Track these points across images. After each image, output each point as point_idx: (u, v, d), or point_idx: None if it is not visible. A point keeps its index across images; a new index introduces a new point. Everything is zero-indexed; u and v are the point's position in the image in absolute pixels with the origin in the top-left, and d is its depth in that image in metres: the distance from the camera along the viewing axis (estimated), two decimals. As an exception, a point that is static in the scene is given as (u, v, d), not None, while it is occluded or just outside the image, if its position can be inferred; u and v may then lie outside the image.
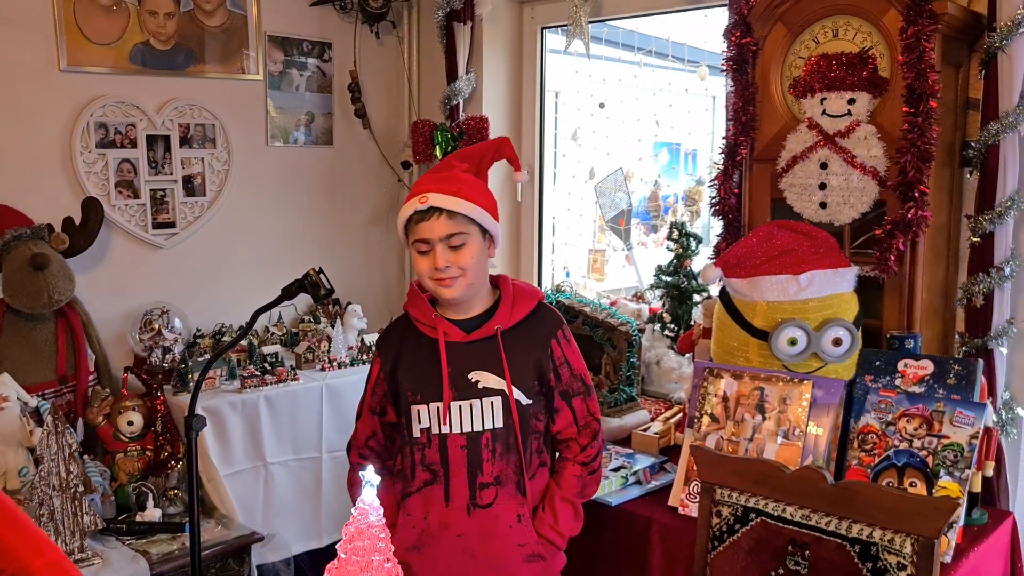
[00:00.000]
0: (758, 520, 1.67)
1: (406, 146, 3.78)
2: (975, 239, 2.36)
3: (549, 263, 3.82)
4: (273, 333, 3.40)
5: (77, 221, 2.95)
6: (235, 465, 2.92)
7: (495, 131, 3.54)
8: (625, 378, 2.83)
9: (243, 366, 3.08)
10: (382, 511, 1.37)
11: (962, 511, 2.02)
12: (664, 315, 3.15)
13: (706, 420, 2.27)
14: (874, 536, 1.53)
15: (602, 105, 3.61)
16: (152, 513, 2.69)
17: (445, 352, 1.90)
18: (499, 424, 1.90)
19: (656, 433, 2.61)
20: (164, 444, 2.80)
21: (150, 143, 3.19)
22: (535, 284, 3.61)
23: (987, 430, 2.14)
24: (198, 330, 3.27)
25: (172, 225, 3.28)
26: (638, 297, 3.43)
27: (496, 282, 2.02)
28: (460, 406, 1.89)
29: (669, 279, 3.16)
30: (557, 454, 2.05)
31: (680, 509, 2.23)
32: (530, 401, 1.93)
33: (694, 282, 3.10)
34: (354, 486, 2.04)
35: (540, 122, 3.67)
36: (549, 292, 3.09)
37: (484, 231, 1.91)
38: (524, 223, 3.71)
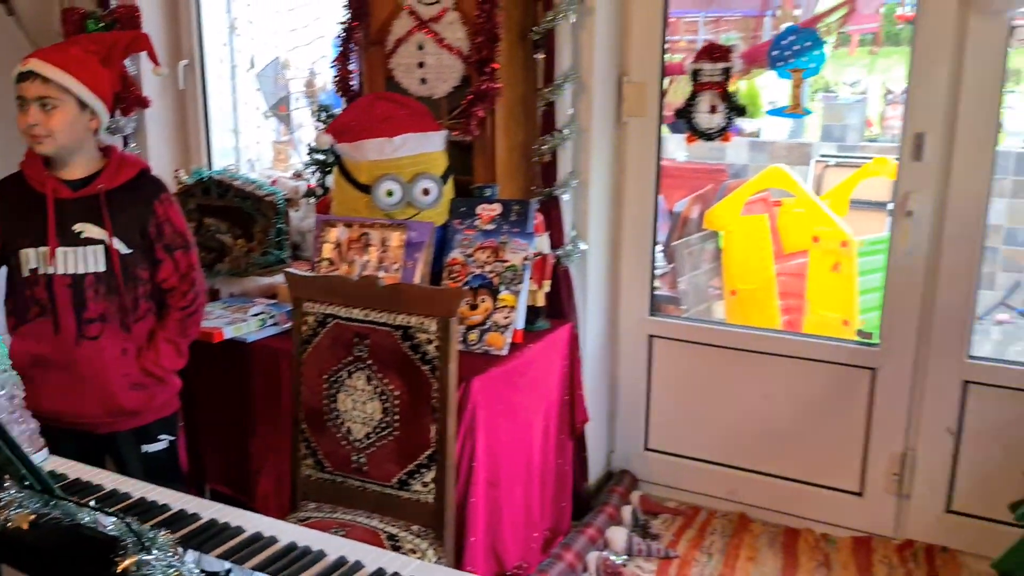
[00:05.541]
0: (333, 323, 2.12)
1: (58, 35, 3.79)
2: (543, 107, 2.92)
3: (227, 151, 4.03)
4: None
5: None
6: None
7: (149, 21, 3.65)
8: (274, 243, 3.18)
9: None
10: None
11: (517, 316, 2.60)
12: (317, 189, 3.52)
13: (324, 264, 2.70)
14: (411, 321, 2.02)
15: (256, -4, 3.83)
16: None
17: (53, 206, 2.17)
18: (101, 269, 2.21)
19: (299, 286, 3.00)
20: None
21: None
22: (206, 169, 3.83)
23: (543, 256, 2.74)
24: None
25: None
26: (297, 175, 3.76)
27: (106, 152, 2.29)
28: (65, 252, 2.18)
29: (320, 156, 3.52)
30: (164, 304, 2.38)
31: (306, 339, 2.66)
32: (131, 251, 2.25)
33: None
34: None
35: (198, 12, 3.82)
36: (202, 169, 3.35)
37: (85, 104, 2.17)
38: (189, 110, 3.89)
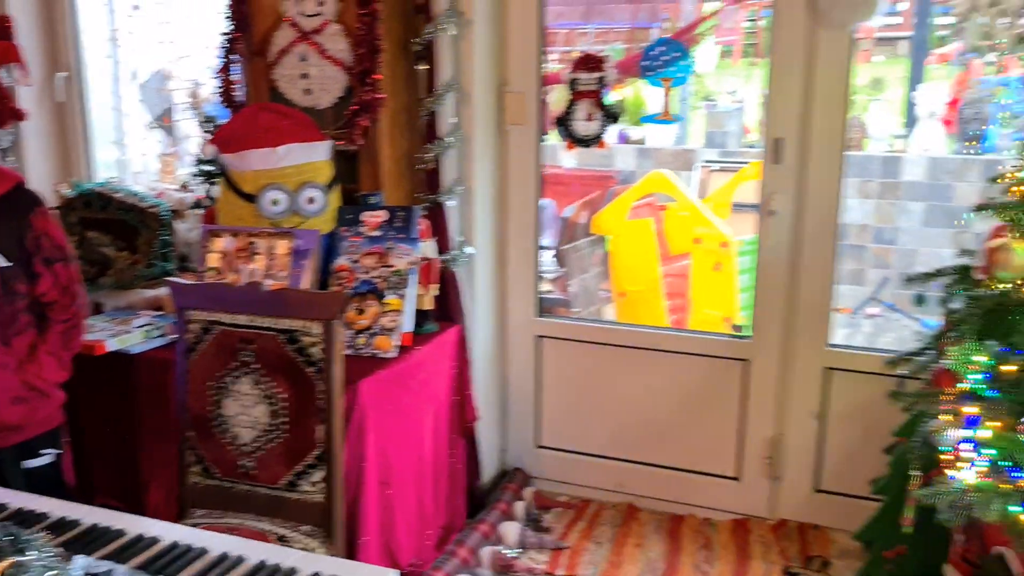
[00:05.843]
0: (219, 329, 2.14)
1: (-73, 46, 3.67)
2: (426, 116, 3.00)
3: (111, 164, 3.95)
4: None
5: None
6: None
7: (24, 32, 3.57)
8: (160, 255, 3.16)
9: None
10: None
11: (405, 319, 2.67)
12: (204, 200, 3.51)
13: (210, 274, 2.71)
14: (296, 325, 2.07)
15: (136, 8, 3.79)
16: None
17: None
18: None
19: (187, 297, 3.00)
20: None
21: None
22: (88, 182, 3.76)
23: (429, 260, 2.82)
24: None
25: None
26: (184, 187, 3.74)
27: None
28: None
29: (206, 167, 3.51)
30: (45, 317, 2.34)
31: (193, 349, 2.66)
32: (10, 264, 2.21)
33: (225, 167, 3.48)
34: None
35: (75, 23, 3.75)
36: (83, 182, 3.30)
37: None
38: (68, 123, 3.81)
